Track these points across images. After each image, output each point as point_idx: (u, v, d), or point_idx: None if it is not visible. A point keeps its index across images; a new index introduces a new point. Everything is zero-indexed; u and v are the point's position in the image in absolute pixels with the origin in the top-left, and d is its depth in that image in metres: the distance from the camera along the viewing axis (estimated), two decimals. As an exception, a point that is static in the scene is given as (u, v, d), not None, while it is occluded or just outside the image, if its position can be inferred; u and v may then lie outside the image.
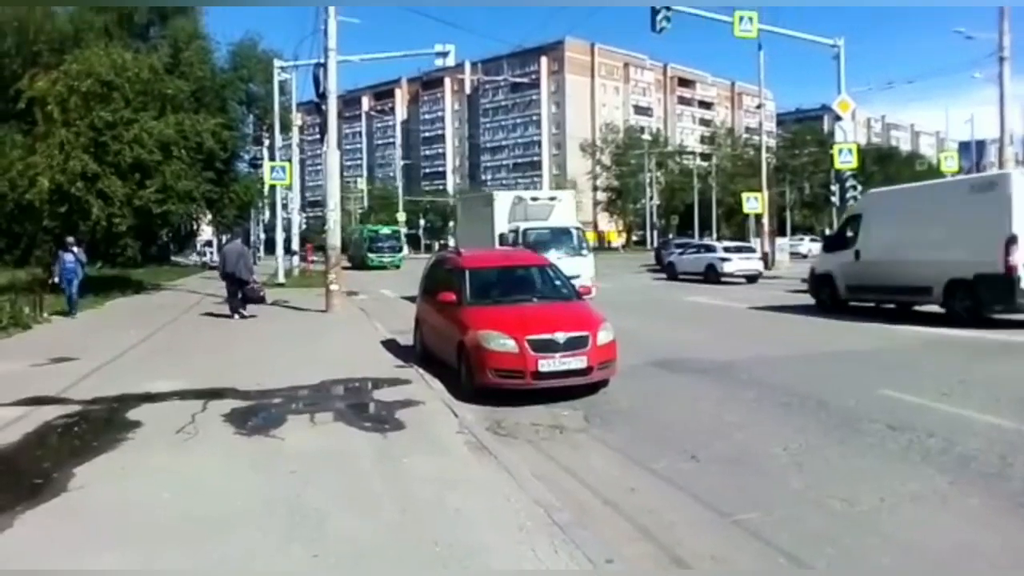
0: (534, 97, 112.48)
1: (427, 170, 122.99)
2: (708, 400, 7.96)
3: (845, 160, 25.71)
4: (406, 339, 11.64)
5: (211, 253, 52.82)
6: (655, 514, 4.82)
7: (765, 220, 34.40)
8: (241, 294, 16.39)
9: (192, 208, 22.99)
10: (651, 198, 79.91)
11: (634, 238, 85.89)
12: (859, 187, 27.18)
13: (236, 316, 16.02)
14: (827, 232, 29.75)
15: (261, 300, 17.55)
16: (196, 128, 21.21)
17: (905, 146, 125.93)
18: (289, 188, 32.57)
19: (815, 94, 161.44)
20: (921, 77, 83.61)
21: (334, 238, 17.97)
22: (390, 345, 11.77)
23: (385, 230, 52.79)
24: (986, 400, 7.43)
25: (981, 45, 24.84)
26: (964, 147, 78.37)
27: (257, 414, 7.40)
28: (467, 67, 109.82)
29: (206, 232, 50.38)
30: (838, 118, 27.84)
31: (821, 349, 11.06)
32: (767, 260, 31.75)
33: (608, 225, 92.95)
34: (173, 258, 51.08)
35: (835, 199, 26.85)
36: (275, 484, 5.21)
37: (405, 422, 6.94)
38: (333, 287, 17.38)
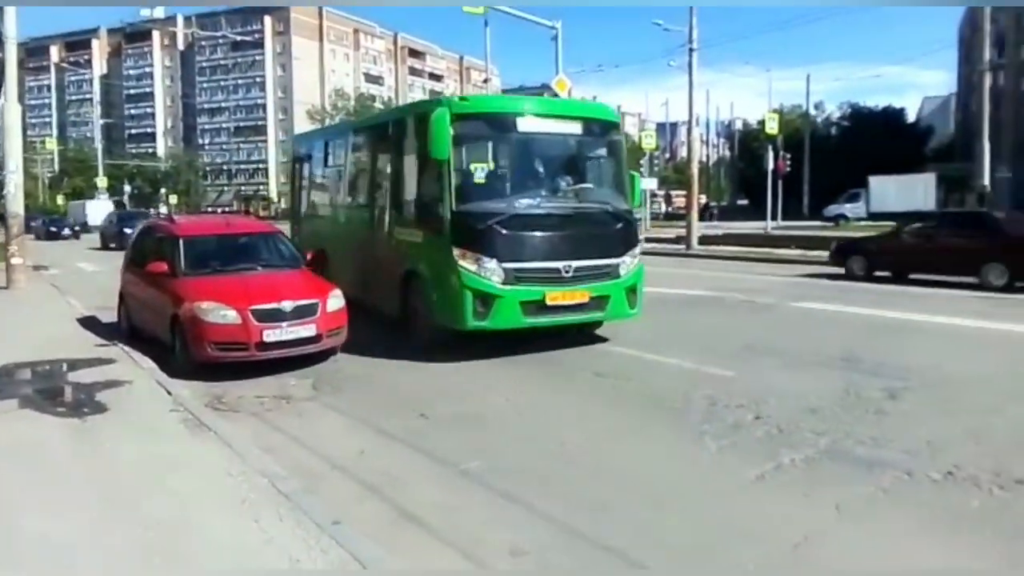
0: (257, 58, 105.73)
1: (133, 131, 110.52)
2: (437, 360, 8.17)
3: (561, 135, 27.62)
4: (109, 316, 10.46)
5: None
6: (385, 473, 4.87)
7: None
8: None
9: None
10: (383, 168, 79.66)
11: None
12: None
13: None
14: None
15: None
16: None
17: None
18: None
19: (537, 73, 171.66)
20: (626, 63, 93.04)
21: (15, 204, 15.48)
22: (89, 323, 10.49)
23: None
24: (678, 347, 8.48)
25: (676, 36, 27.98)
26: (661, 128, 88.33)
27: (-87, 409, 6.18)
28: (179, 20, 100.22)
29: None
30: (556, 96, 29.85)
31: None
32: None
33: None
34: None
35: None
36: (-60, 486, 4.42)
37: (108, 404, 6.24)
38: (15, 260, 15.00)
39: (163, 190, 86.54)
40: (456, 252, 7.78)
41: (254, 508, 4.05)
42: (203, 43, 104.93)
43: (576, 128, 8.73)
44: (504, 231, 7.79)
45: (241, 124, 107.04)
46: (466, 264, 7.74)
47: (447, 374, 7.62)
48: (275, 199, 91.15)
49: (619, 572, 3.57)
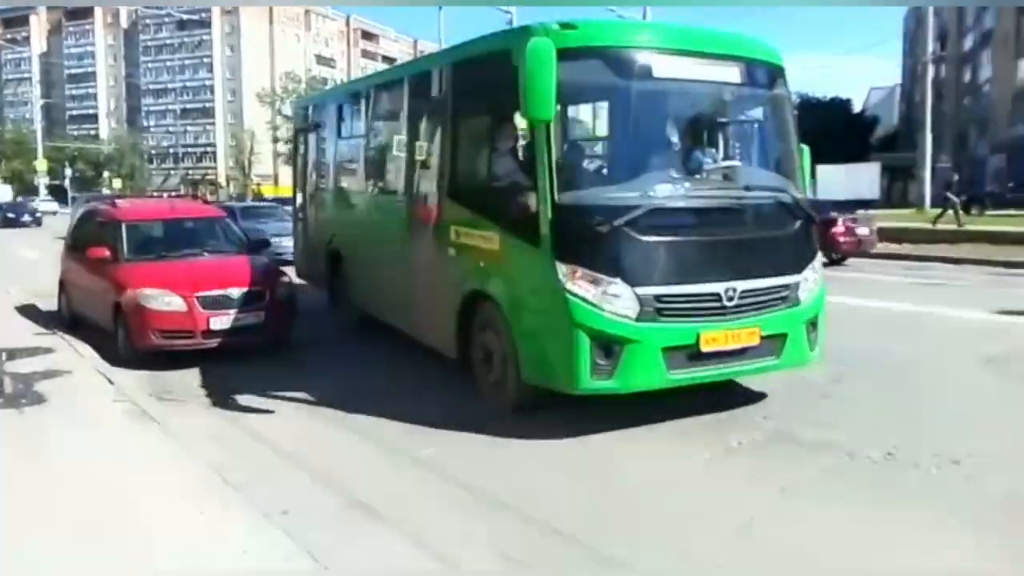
0: (205, 38, 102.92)
1: (74, 112, 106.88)
2: (399, 346, 8.05)
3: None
4: (49, 304, 10.13)
5: None
6: (338, 461, 4.82)
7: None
8: None
9: None
10: (336, 152, 78.41)
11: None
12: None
13: None
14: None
15: None
16: None
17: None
18: None
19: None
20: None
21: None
22: (28, 311, 10.15)
23: None
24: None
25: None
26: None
27: None
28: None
29: None
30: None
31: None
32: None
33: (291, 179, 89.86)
34: None
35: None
36: None
37: (47, 395, 6.05)
38: (-51, 246, 14.45)
39: (106, 174, 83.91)
40: (562, 269, 4.98)
41: (200, 500, 3.97)
42: (148, 21, 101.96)
43: (734, 74, 5.64)
44: (639, 236, 5.01)
45: (188, 106, 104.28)
46: (578, 288, 4.96)
47: (400, 361, 7.55)
48: (224, 184, 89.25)
49: (569, 557, 3.60)
